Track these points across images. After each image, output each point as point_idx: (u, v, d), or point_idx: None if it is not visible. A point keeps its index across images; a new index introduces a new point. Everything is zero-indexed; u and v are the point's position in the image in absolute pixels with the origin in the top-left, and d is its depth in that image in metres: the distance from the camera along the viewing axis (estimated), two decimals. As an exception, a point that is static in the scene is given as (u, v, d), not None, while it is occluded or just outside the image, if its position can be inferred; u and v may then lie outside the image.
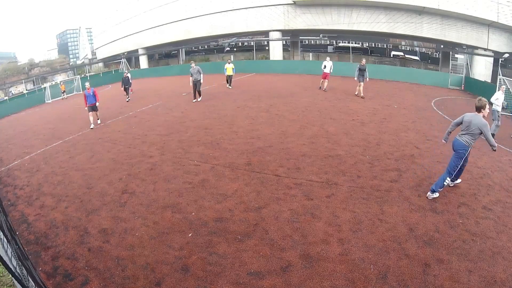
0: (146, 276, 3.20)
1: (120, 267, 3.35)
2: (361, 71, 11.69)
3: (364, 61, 11.97)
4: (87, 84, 9.91)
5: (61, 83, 22.67)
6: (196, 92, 12.03)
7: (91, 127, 9.58)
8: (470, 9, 15.90)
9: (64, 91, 21.89)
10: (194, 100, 12.07)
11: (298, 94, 12.66)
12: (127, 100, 14.14)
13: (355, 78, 11.96)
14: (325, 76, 13.05)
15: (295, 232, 3.79)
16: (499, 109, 7.71)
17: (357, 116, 9.03)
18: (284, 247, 3.53)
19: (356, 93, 12.12)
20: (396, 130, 7.77)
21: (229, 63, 15.24)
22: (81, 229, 4.13)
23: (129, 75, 14.67)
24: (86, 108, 9.78)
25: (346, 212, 4.18)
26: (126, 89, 14.34)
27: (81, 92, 22.25)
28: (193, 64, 12.00)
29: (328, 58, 13.30)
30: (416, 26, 18.33)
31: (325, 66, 12.97)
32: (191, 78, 11.87)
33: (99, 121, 10.09)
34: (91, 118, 9.74)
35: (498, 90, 8.31)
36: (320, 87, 13.52)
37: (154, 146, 7.20)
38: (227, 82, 15.39)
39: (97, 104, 9.90)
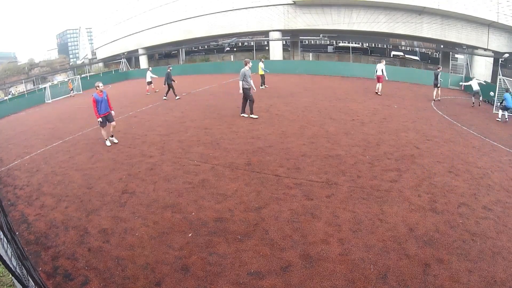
0: (146, 276, 3.20)
1: (120, 267, 3.34)
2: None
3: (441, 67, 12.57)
4: (100, 85, 7.05)
5: (69, 81, 22.94)
6: (248, 103, 8.96)
7: (108, 143, 7.36)
8: (470, 9, 15.89)
9: (72, 89, 22.17)
10: (255, 116, 8.95)
11: (298, 94, 12.66)
12: (176, 98, 12.82)
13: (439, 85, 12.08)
14: (378, 79, 12.62)
15: (295, 232, 3.78)
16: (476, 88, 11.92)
17: (357, 116, 9.03)
18: (284, 247, 3.53)
19: (435, 97, 12.10)
20: (396, 130, 7.77)
21: (262, 61, 14.55)
22: (81, 229, 4.13)
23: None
24: (98, 120, 7.10)
25: (346, 212, 4.18)
26: (170, 86, 12.75)
27: (81, 92, 22.42)
28: (249, 64, 8.78)
29: (383, 61, 12.99)
30: (416, 26, 18.34)
31: (377, 69, 12.68)
32: (242, 83, 8.63)
33: (115, 140, 7.51)
34: (105, 134, 7.44)
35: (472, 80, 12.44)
36: (376, 92, 12.77)
37: (154, 146, 7.20)
38: (261, 84, 14.31)
39: (113, 113, 7.37)
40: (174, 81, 12.99)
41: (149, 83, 15.73)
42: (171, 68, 13.48)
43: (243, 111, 9.26)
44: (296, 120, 8.73)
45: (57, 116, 12.89)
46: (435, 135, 7.49)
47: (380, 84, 12.63)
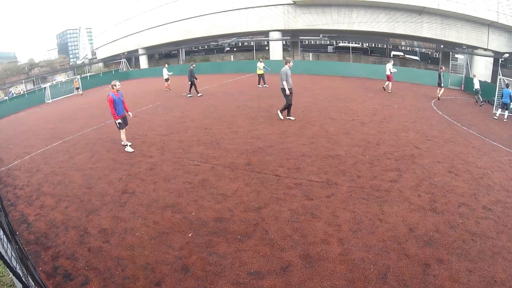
0: (146, 276, 3.20)
1: (120, 267, 3.35)
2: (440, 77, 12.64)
3: (443, 67, 13.21)
4: (117, 84, 6.67)
5: (75, 79, 23.01)
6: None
7: (129, 149, 6.84)
8: (470, 9, 15.90)
9: (78, 87, 22.16)
10: (292, 118, 8.70)
11: (298, 94, 12.63)
12: (198, 95, 13.07)
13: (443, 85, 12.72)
14: (388, 78, 13.38)
15: (295, 232, 3.79)
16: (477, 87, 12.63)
17: (357, 116, 9.03)
18: (284, 247, 3.53)
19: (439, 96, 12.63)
20: (396, 130, 7.77)
21: (260, 61, 15.10)
22: (81, 229, 4.13)
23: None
24: (117, 122, 6.68)
25: (346, 212, 4.18)
26: (192, 83, 12.98)
27: (81, 93, 22.41)
28: (290, 64, 8.31)
29: (391, 61, 13.92)
30: (416, 26, 18.34)
31: (386, 69, 13.49)
32: (284, 83, 8.18)
33: (128, 144, 7.01)
34: (125, 138, 6.96)
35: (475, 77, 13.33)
36: (384, 88, 13.51)
37: (154, 146, 7.20)
38: (258, 83, 15.12)
39: (130, 114, 7.03)
40: (196, 79, 13.26)
41: (166, 80, 16.15)
42: (194, 65, 13.63)
43: (288, 113, 8.76)
44: (296, 120, 8.73)
45: (57, 116, 12.89)
46: (435, 135, 7.49)
47: (390, 82, 13.28)
